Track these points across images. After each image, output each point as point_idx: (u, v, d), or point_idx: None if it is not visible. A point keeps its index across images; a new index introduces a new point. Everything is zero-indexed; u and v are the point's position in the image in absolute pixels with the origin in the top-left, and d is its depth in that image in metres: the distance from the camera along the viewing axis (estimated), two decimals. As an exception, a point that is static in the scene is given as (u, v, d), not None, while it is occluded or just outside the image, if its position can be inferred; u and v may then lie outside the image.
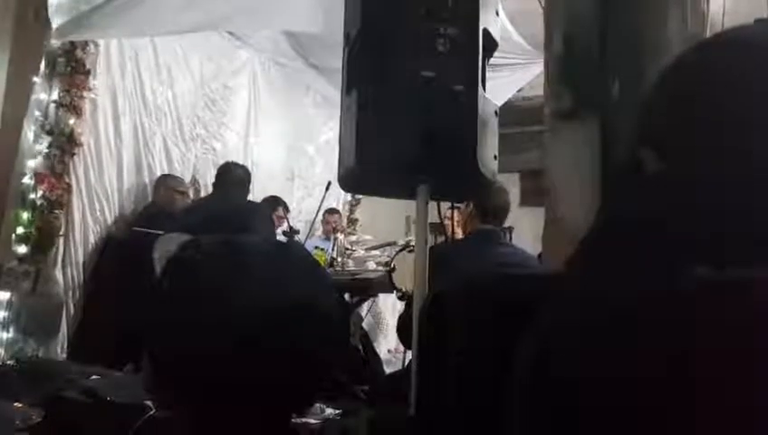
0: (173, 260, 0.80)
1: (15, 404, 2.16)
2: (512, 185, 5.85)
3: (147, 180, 4.30)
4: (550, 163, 2.10)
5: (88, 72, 3.67)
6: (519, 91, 5.37)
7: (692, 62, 0.59)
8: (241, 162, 4.39)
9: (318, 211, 4.83)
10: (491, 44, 1.69)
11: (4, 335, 3.24)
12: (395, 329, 3.22)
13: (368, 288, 3.85)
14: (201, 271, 0.76)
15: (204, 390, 0.74)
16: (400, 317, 2.96)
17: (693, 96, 0.56)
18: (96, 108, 3.85)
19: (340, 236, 5.02)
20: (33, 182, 3.41)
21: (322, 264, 3.92)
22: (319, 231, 5.35)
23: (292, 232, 4.33)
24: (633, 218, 0.56)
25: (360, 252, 4.74)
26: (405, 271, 2.90)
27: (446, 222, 2.32)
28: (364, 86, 1.59)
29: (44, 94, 3.50)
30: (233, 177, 3.91)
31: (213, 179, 4.14)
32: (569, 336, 0.51)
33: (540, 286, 0.65)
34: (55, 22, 3.18)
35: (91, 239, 3.85)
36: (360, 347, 4.01)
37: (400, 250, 3.34)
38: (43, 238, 3.43)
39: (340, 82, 1.71)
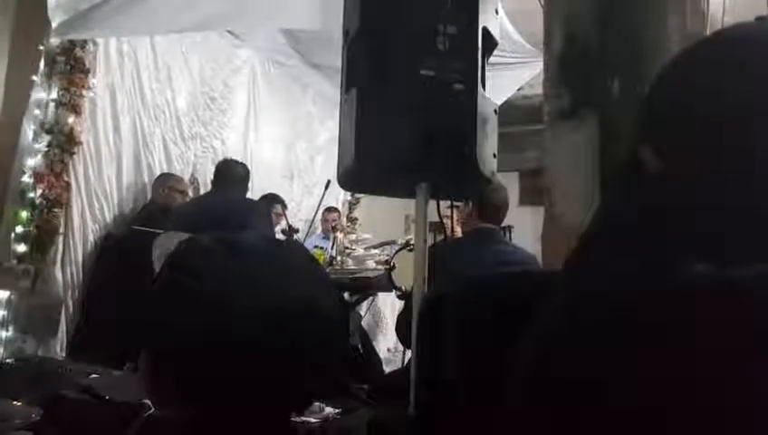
0: (172, 259, 0.80)
1: (15, 403, 2.16)
2: (511, 184, 5.87)
3: (146, 179, 4.30)
4: (549, 162, 2.10)
5: (87, 71, 3.66)
6: (519, 89, 5.38)
7: (692, 60, 0.59)
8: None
9: (317, 209, 4.82)
10: (490, 43, 1.68)
11: (4, 334, 3.25)
12: (394, 328, 3.22)
13: (367, 287, 3.86)
14: (200, 270, 0.76)
15: (202, 389, 0.74)
16: (399, 316, 2.96)
17: (692, 94, 0.56)
18: (95, 107, 3.85)
19: (340, 235, 5.03)
20: (32, 181, 3.41)
21: (322, 262, 3.92)
22: (318, 230, 5.35)
23: (291, 231, 4.32)
24: (633, 217, 0.56)
25: (360, 251, 4.74)
26: (404, 270, 2.90)
27: (446, 221, 2.32)
28: (363, 84, 1.58)
29: (43, 93, 3.49)
30: (232, 174, 3.89)
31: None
32: (569, 336, 0.51)
33: (539, 286, 0.65)
34: (54, 20, 3.18)
35: (91, 238, 3.85)
36: (360, 346, 4.02)
37: (400, 249, 3.35)
38: (43, 237, 3.43)
39: (340, 81, 1.71)
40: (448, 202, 2.17)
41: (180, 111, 4.60)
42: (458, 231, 2.92)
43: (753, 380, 0.41)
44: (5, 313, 3.25)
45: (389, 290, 3.32)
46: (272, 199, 4.58)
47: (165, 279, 0.78)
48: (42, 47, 3.44)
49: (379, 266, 4.03)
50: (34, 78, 3.44)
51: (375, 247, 4.78)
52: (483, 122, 1.61)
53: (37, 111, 3.46)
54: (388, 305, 5.20)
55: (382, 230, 5.74)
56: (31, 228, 3.38)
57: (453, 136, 1.58)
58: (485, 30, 1.65)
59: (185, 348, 0.74)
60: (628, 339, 0.46)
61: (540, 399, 0.52)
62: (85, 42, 3.63)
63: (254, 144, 5.37)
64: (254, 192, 4.55)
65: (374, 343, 4.66)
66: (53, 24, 3.20)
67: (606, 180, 1.80)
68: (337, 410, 2.41)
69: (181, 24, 3.57)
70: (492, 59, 1.75)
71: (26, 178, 3.41)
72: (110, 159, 4.01)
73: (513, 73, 4.78)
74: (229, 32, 4.87)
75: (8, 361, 3.06)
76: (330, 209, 5.47)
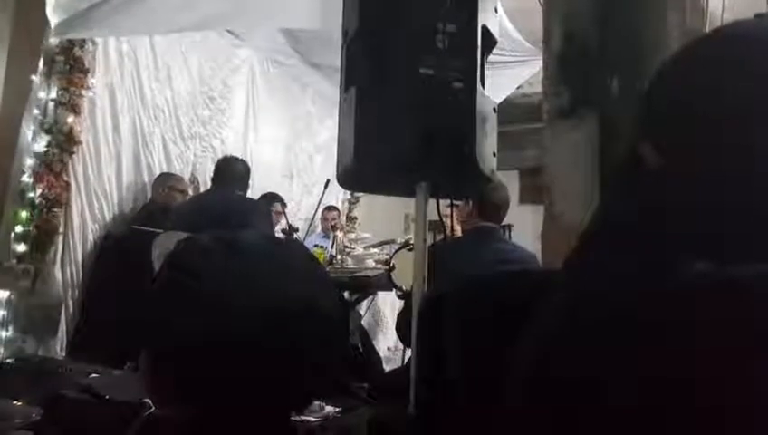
0: (171, 258, 0.80)
1: (15, 403, 2.16)
2: (511, 182, 5.85)
3: (146, 179, 4.30)
4: (549, 160, 2.10)
5: (86, 71, 3.66)
6: (518, 88, 5.38)
7: (691, 58, 0.59)
8: (239, 160, 4.37)
9: (317, 208, 4.82)
10: (490, 41, 1.68)
11: (3, 334, 3.24)
12: (394, 327, 3.23)
13: (367, 286, 3.86)
14: (199, 269, 0.76)
15: (202, 388, 0.74)
16: (400, 315, 2.96)
17: (692, 92, 0.56)
18: (95, 106, 3.85)
19: (340, 234, 5.03)
20: (31, 181, 3.41)
21: (321, 261, 3.92)
22: (318, 229, 5.35)
23: (291, 230, 4.32)
24: (632, 216, 0.56)
25: (360, 250, 4.74)
26: (404, 269, 2.90)
27: (446, 220, 2.31)
28: (363, 83, 1.58)
29: (43, 93, 3.49)
30: (232, 171, 3.87)
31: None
32: (568, 335, 0.51)
33: (539, 285, 0.65)
34: (54, 20, 3.18)
35: (90, 238, 3.85)
36: (360, 345, 4.02)
37: (400, 248, 3.35)
38: (42, 237, 3.43)
39: (339, 80, 1.71)
40: (448, 201, 2.16)
41: (180, 111, 4.60)
42: (458, 230, 2.92)
43: (753, 379, 0.41)
44: (5, 313, 3.25)
45: (389, 289, 3.32)
46: (271, 198, 4.57)
47: (164, 279, 0.78)
48: (41, 46, 3.43)
49: (379, 265, 4.04)
50: (34, 78, 3.43)
51: (375, 246, 4.79)
52: (482, 121, 1.61)
53: (36, 111, 3.46)
54: (388, 304, 5.20)
55: (382, 229, 5.74)
56: (30, 228, 3.38)
57: (452, 134, 1.58)
58: (485, 28, 1.65)
59: (185, 347, 0.73)
60: (628, 338, 0.46)
61: (539, 398, 0.51)
62: (84, 41, 3.63)
63: (254, 144, 5.37)
64: (254, 191, 4.55)
65: (374, 342, 4.67)
66: (53, 24, 3.20)
67: (605, 179, 1.80)
68: (337, 409, 2.41)
69: (180, 23, 3.57)
70: (491, 57, 1.75)
71: (26, 178, 3.41)
72: (109, 158, 4.00)
73: (512, 72, 4.78)
74: (229, 31, 4.87)
75: (8, 361, 3.05)
76: (329, 208, 5.47)
